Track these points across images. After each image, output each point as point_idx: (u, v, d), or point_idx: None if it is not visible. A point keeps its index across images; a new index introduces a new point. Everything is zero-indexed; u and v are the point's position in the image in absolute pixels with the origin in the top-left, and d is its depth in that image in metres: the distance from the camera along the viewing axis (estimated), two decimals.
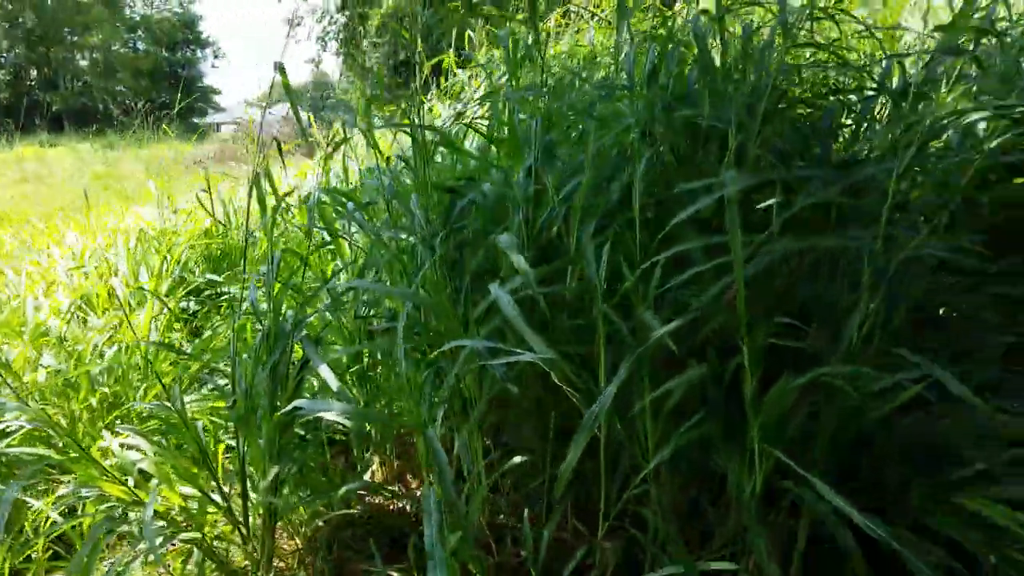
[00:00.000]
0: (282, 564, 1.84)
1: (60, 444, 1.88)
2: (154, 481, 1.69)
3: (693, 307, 1.51)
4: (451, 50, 4.77)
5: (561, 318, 1.63)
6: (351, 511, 2.00)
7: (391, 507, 2.09)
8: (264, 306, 1.88)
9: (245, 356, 1.83)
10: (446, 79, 5.53)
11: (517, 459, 1.63)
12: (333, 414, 1.68)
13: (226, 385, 1.92)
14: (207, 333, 2.64)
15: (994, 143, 1.75)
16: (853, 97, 2.00)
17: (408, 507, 2.05)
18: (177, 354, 2.43)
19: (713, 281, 1.52)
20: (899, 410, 1.50)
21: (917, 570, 1.32)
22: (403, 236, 1.95)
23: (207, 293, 3.02)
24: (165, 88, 53.16)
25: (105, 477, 1.69)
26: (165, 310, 2.63)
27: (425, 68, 5.86)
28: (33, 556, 1.89)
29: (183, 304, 2.91)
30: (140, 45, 60.23)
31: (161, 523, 1.68)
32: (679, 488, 1.67)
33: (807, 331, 1.58)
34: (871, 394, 1.48)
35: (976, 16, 1.81)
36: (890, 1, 3.24)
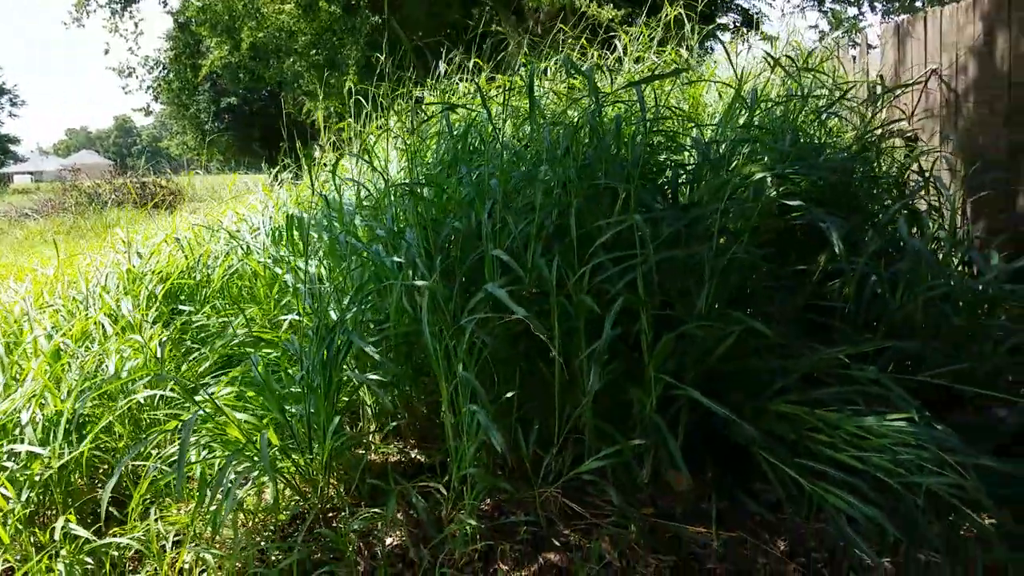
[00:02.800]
0: (332, 491, 2.62)
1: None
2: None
3: (611, 294, 2.48)
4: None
5: (526, 304, 2.55)
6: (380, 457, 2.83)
7: (412, 458, 2.94)
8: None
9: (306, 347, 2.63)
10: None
11: (509, 393, 2.51)
12: (373, 375, 2.53)
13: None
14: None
15: (772, 192, 2.89)
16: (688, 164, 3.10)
17: (423, 458, 2.89)
18: None
19: (619, 278, 2.50)
20: (734, 350, 2.54)
21: (746, 438, 2.35)
22: (398, 258, 2.81)
23: (183, 321, 3.66)
24: None
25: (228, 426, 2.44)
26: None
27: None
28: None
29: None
30: None
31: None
32: (603, 411, 2.61)
33: (675, 304, 2.60)
34: (716, 339, 2.51)
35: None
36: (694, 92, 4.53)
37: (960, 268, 3.46)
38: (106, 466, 2.82)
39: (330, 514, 2.55)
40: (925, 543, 2.20)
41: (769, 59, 3.55)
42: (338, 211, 3.20)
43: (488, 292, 2.44)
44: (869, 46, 5.80)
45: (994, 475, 2.20)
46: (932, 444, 2.18)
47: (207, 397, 2.52)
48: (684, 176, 3.07)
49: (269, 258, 3.90)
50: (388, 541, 2.42)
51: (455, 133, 3.36)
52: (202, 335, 3.50)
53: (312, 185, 3.61)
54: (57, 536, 2.23)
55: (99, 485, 2.79)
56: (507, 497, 2.55)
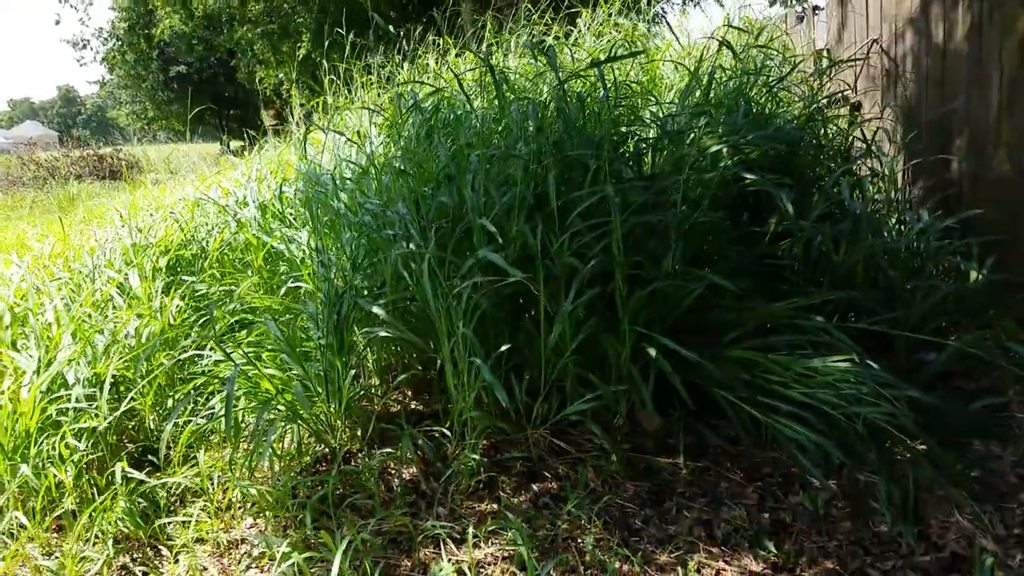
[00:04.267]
0: (347, 436, 2.95)
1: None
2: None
3: (589, 255, 2.81)
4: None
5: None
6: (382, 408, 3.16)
7: (412, 408, 3.26)
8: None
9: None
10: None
11: (503, 348, 2.84)
12: (383, 331, 2.86)
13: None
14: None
15: (728, 162, 3.23)
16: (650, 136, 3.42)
17: (421, 407, 3.21)
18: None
19: (596, 243, 2.82)
20: (697, 303, 2.89)
21: (709, 379, 2.71)
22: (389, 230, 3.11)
23: (187, 291, 3.92)
24: None
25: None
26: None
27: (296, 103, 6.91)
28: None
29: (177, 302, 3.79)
30: None
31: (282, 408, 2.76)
32: (583, 362, 2.94)
33: (643, 265, 2.94)
34: (681, 295, 2.86)
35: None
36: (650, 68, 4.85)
37: (897, 228, 3.85)
38: (133, 421, 3.09)
39: (347, 456, 2.87)
40: (865, 466, 2.58)
41: (721, 41, 3.87)
42: (337, 185, 3.48)
43: (480, 257, 2.75)
44: (816, 10, 6.16)
45: (923, 407, 2.59)
46: (870, 381, 2.56)
47: (244, 355, 2.83)
48: (645, 147, 3.39)
49: (261, 230, 4.16)
50: (401, 477, 2.74)
51: (428, 108, 3.65)
52: (205, 303, 3.75)
53: (306, 157, 3.87)
54: (117, 479, 2.52)
55: (127, 439, 3.07)
56: (502, 438, 2.89)
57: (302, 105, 7.33)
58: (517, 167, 2.97)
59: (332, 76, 6.94)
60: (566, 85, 3.40)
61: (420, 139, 3.69)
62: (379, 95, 6.28)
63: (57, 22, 17.44)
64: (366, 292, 3.24)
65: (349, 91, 6.93)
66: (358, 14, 16.26)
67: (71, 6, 16.18)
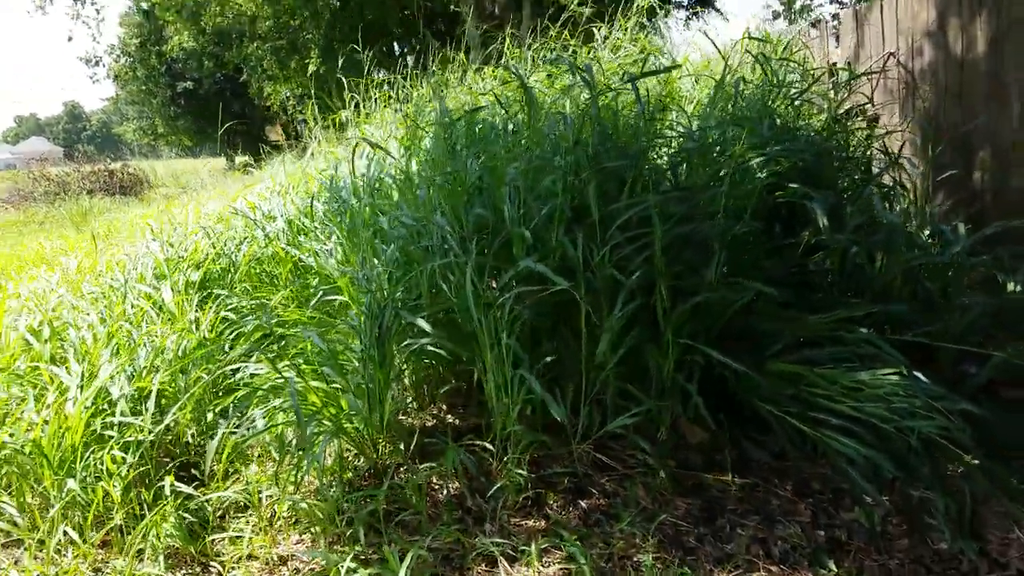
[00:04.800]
0: (390, 446, 2.93)
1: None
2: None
3: (630, 267, 2.79)
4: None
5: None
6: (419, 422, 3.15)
7: (448, 422, 3.24)
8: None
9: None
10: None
11: (547, 359, 2.82)
12: (427, 340, 2.85)
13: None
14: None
15: (762, 173, 3.22)
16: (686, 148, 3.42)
17: (457, 421, 3.19)
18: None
19: (636, 255, 2.81)
20: (740, 316, 2.88)
21: (755, 393, 2.69)
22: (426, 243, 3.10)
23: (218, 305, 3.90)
24: None
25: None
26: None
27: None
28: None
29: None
30: None
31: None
32: (624, 375, 2.92)
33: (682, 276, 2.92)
34: (724, 306, 2.84)
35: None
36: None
37: (928, 240, 3.83)
38: (170, 435, 3.07)
39: (387, 470, 2.85)
40: (917, 481, 2.56)
41: (758, 56, 3.87)
42: (374, 199, 3.47)
43: (522, 268, 2.73)
44: (834, 28, 6.18)
45: (972, 419, 2.57)
46: (922, 393, 2.54)
47: (287, 368, 2.83)
48: (680, 159, 3.38)
49: (290, 244, 4.16)
50: (445, 492, 2.72)
51: (461, 123, 3.66)
52: (239, 316, 3.74)
53: (352, 168, 3.86)
54: (167, 492, 2.50)
55: (163, 454, 3.05)
56: (544, 453, 2.86)
57: (316, 120, 7.35)
58: (557, 179, 2.96)
59: (350, 92, 6.96)
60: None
61: (450, 152, 3.69)
62: (396, 111, 6.30)
63: (70, 39, 17.52)
64: (401, 305, 3.23)
65: (361, 106, 6.95)
66: (366, 30, 16.36)
67: (83, 22, 16.27)
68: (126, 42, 27.19)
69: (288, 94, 22.36)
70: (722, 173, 3.12)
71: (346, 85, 6.84)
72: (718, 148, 3.36)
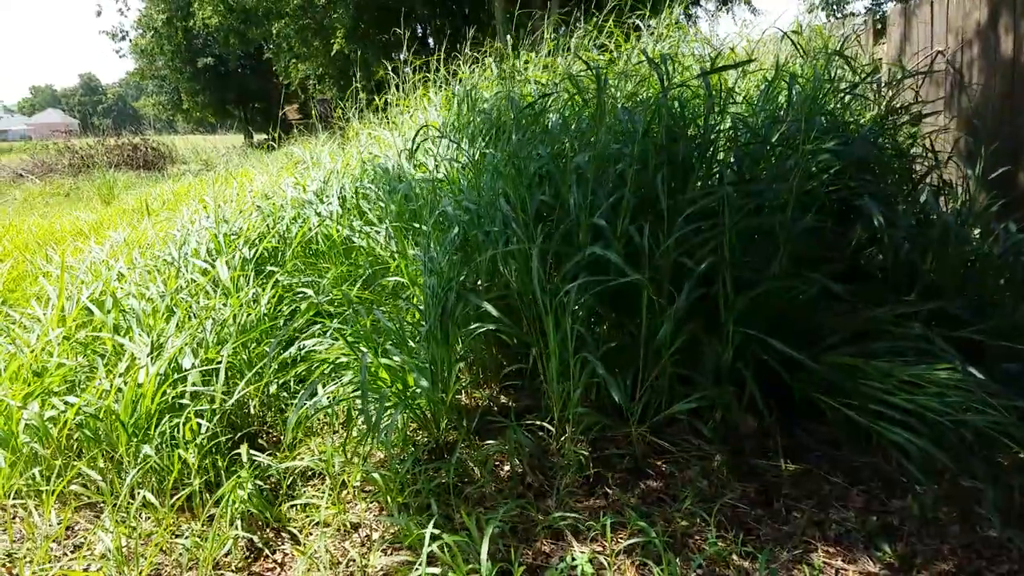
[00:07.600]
0: (452, 424, 3.00)
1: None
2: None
3: (698, 255, 2.84)
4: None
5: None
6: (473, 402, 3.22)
7: (502, 403, 3.30)
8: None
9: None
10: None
11: (611, 343, 2.88)
12: (490, 325, 2.91)
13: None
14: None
15: (815, 168, 3.26)
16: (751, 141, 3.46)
17: (512, 403, 3.25)
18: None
19: (702, 246, 2.86)
20: (795, 308, 2.92)
21: (811, 383, 2.73)
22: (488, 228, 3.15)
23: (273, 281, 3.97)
24: None
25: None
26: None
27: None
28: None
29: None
30: None
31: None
32: (680, 362, 2.98)
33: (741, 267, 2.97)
34: (789, 298, 2.89)
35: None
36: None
37: (978, 238, 3.86)
38: (232, 407, 3.15)
39: (451, 446, 2.91)
40: (969, 472, 2.61)
41: (834, 52, 3.91)
42: (436, 185, 3.53)
43: (588, 254, 2.79)
44: (877, 23, 6.18)
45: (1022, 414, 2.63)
46: (977, 389, 2.59)
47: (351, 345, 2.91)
48: (745, 152, 3.42)
49: (342, 224, 4.22)
50: (507, 468, 2.79)
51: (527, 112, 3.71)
52: (292, 293, 3.81)
53: (412, 153, 3.91)
54: (244, 459, 2.58)
55: (227, 425, 3.12)
56: (601, 435, 2.92)
57: (345, 100, 7.39)
58: (626, 168, 3.01)
59: (384, 74, 6.99)
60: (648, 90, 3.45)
61: (515, 141, 3.74)
62: (436, 93, 6.34)
63: (99, 13, 17.62)
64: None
65: (401, 88, 6.98)
66: (393, 12, 16.40)
67: None
68: (153, 17, 27.38)
69: (310, 73, 22.45)
70: (789, 165, 3.15)
71: (383, 67, 6.87)
72: (784, 143, 3.40)
